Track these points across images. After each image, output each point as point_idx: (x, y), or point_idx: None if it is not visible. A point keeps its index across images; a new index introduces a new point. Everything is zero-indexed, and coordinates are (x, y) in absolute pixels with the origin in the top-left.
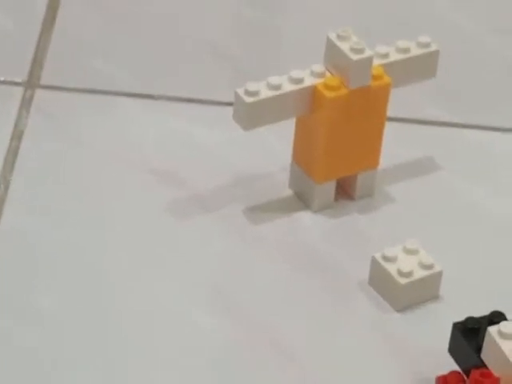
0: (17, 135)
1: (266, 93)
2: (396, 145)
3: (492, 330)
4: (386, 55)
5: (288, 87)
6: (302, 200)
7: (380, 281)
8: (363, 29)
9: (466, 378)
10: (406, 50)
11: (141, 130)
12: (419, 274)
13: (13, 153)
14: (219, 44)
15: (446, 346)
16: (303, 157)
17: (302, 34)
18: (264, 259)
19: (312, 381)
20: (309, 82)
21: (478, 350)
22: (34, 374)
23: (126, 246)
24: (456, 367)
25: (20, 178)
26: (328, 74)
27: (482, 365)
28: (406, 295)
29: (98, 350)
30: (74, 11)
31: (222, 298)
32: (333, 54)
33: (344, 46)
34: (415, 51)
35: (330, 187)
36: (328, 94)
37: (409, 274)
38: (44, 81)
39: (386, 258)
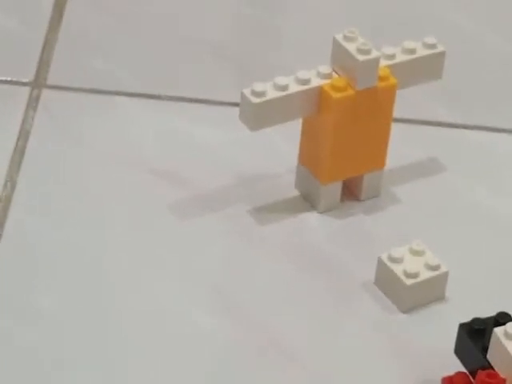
0: (23, 135)
1: (272, 93)
2: (402, 145)
3: (498, 330)
4: (392, 56)
5: (295, 88)
6: (307, 201)
7: (386, 281)
8: (367, 29)
9: (472, 379)
10: (412, 51)
11: (145, 131)
12: (425, 274)
13: (19, 152)
14: (221, 44)
15: (452, 346)
16: (309, 157)
17: (305, 34)
18: (269, 259)
19: (316, 381)
20: (315, 82)
21: (484, 350)
22: (34, 374)
23: (127, 246)
24: (462, 368)
25: (26, 177)
26: (335, 75)
27: (489, 366)
28: (412, 296)
29: (98, 349)
30: (80, 12)
31: (224, 299)
32: (339, 55)
33: (351, 47)
34: (421, 52)
35: (336, 188)
36: (334, 94)
37: (415, 275)
38: (50, 81)
39: (392, 259)
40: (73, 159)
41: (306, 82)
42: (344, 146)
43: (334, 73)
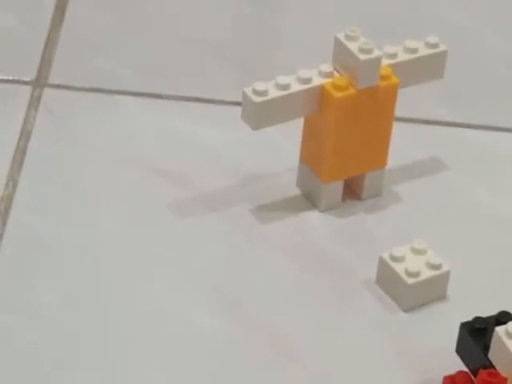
0: (25, 134)
1: (274, 92)
2: (403, 145)
3: (499, 329)
4: (394, 55)
5: (296, 87)
6: (309, 200)
7: (387, 280)
8: (369, 28)
9: (473, 378)
10: (414, 51)
11: (147, 130)
12: (427, 274)
13: (21, 152)
14: (223, 43)
15: (454, 345)
16: (311, 156)
17: (307, 33)
18: (270, 258)
19: (317, 381)
20: (317, 81)
21: (486, 349)
22: (34, 373)
23: (128, 245)
24: (463, 367)
25: (28, 177)
26: (336, 74)
27: (490, 365)
28: (414, 295)
29: (97, 348)
30: (82, 11)
31: (225, 298)
32: (341, 54)
33: (352, 46)
34: (423, 51)
35: (337, 187)
36: (336, 93)
37: (416, 274)
38: (52, 80)
39: (393, 258)
40: (74, 158)
41: (307, 81)
42: (345, 144)
43: (335, 72)
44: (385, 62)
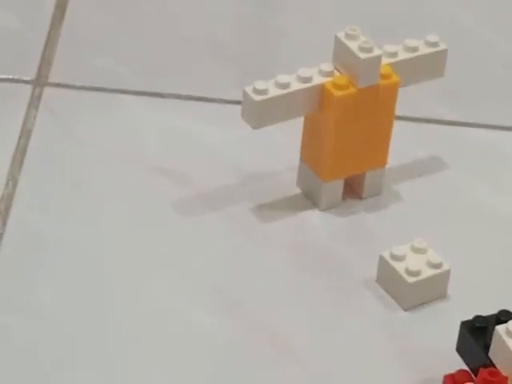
0: (25, 133)
1: (274, 91)
2: (404, 144)
3: (500, 328)
4: (394, 54)
5: (296, 86)
6: (309, 199)
7: (388, 279)
8: (369, 27)
9: (474, 377)
10: (415, 49)
11: (148, 129)
12: (427, 272)
13: (21, 151)
14: (223, 42)
15: (454, 344)
16: (311, 155)
17: (307, 32)
18: (271, 258)
19: (317, 380)
20: (317, 80)
21: (486, 348)
22: (34, 372)
23: (129, 244)
24: (464, 366)
25: (28, 175)
26: (336, 73)
27: (490, 364)
28: (414, 294)
29: (97, 348)
30: (82, 10)
31: (226, 297)
32: (341, 53)
33: (352, 45)
34: (423, 50)
35: (337, 186)
36: (336, 92)
37: (417, 273)
38: (52, 79)
39: (394, 257)
40: (75, 157)
41: (307, 79)
42: (346, 143)
43: (335, 71)
44: (385, 60)
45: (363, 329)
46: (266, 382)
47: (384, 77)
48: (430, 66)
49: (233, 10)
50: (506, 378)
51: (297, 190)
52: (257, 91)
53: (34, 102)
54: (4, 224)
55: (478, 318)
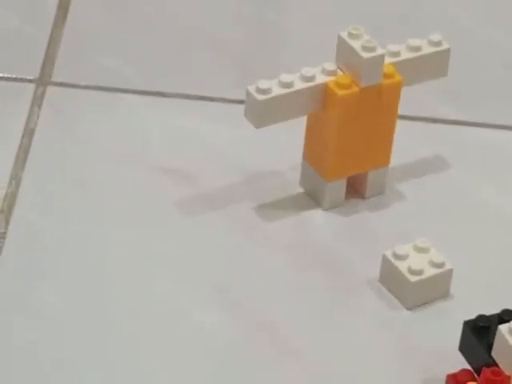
0: (28, 132)
1: (277, 90)
2: (407, 143)
3: (503, 328)
4: (397, 53)
5: (299, 85)
6: (312, 198)
7: (390, 279)
8: (371, 27)
9: (476, 376)
10: (418, 49)
11: (151, 128)
12: (430, 272)
13: (24, 150)
14: (226, 42)
15: (457, 344)
16: (314, 155)
17: (310, 31)
18: (273, 257)
19: (318, 380)
20: (320, 79)
21: (489, 348)
22: (34, 372)
23: (131, 243)
24: (467, 365)
25: (31, 174)
26: (339, 72)
27: (493, 363)
28: (417, 293)
29: (98, 348)
30: (85, 9)
31: (229, 297)
32: (344, 52)
33: (355, 44)
34: (426, 49)
35: (340, 185)
36: (339, 92)
37: (419, 272)
38: (55, 78)
39: (396, 256)
40: (78, 156)
41: (310, 79)
42: (348, 143)
43: (338, 70)
44: (388, 60)
45: (366, 328)
46: (266, 382)
47: (387, 76)
48: (433, 66)
49: (235, 10)
50: (508, 378)
51: (300, 190)
52: (260, 90)
53: (37, 101)
54: (7, 223)
55: (480, 317)
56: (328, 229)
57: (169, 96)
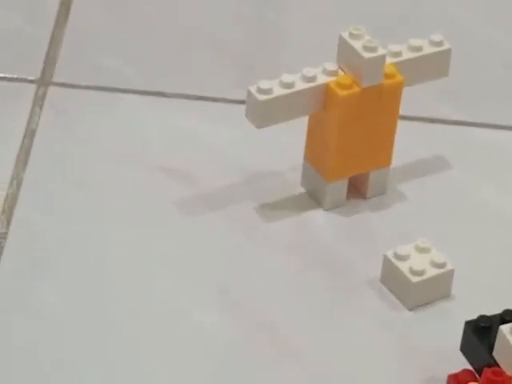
0: (29, 132)
1: (278, 91)
2: (408, 143)
3: (504, 328)
4: (398, 53)
5: (301, 85)
6: (313, 198)
7: (391, 279)
8: (372, 27)
9: (478, 376)
10: (419, 49)
11: (151, 128)
12: (431, 272)
13: (25, 150)
14: (228, 42)
15: (458, 344)
16: (315, 155)
17: (311, 31)
18: (274, 257)
19: (319, 380)
20: (321, 80)
21: (490, 348)
22: (34, 372)
23: (132, 244)
24: (468, 366)
25: (32, 175)
26: (340, 72)
27: (494, 363)
28: (418, 294)
29: (98, 348)
30: (86, 9)
31: (229, 297)
32: (345, 53)
33: (356, 45)
34: (427, 50)
35: (341, 185)
36: (340, 92)
37: (421, 273)
38: (57, 78)
39: (397, 257)
40: (79, 157)
41: (311, 79)
42: (350, 143)
43: (340, 70)
44: (389, 60)
45: (366, 328)
46: (266, 382)
47: (388, 76)
48: (434, 66)
49: (236, 10)
50: (510, 378)
51: (301, 190)
52: (261, 91)
53: (39, 102)
54: (8, 223)
55: (482, 317)
56: (329, 229)
57: (169, 96)
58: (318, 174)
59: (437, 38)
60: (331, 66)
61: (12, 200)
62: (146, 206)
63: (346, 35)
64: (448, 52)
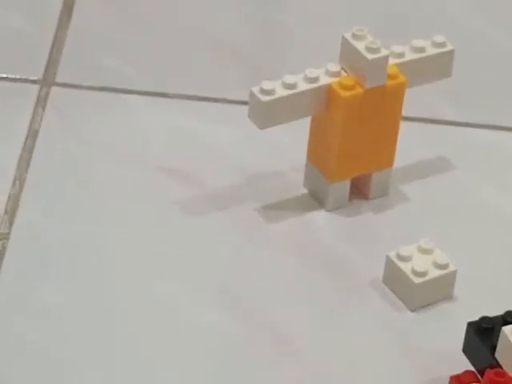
0: (32, 133)
1: (281, 92)
2: (410, 144)
3: (506, 329)
4: (401, 54)
5: (303, 86)
6: (316, 199)
7: (394, 280)
8: (375, 28)
9: (480, 377)
10: (422, 50)
11: (153, 128)
12: (434, 273)
13: (28, 151)
14: (230, 42)
15: (461, 345)
16: (318, 156)
17: (313, 32)
18: (276, 258)
19: (320, 381)
20: (324, 80)
21: (493, 349)
22: (35, 371)
23: (134, 244)
24: (470, 367)
25: (35, 175)
26: (343, 73)
27: (497, 364)
28: (420, 295)
29: (98, 347)
30: (89, 10)
31: (230, 297)
32: (348, 54)
33: (359, 46)
34: (430, 51)
35: (344, 186)
36: (343, 93)
37: (423, 274)
38: (59, 79)
39: (400, 257)
40: (81, 157)
41: (314, 80)
42: (352, 144)
43: (342, 71)
44: (392, 61)
45: (368, 329)
46: (266, 382)
47: (391, 77)
48: (437, 67)
49: (236, 10)
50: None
51: (303, 191)
52: (264, 91)
53: (41, 102)
54: (11, 224)
55: (484, 318)
56: (331, 230)
57: (171, 97)
58: (321, 174)
59: (439, 39)
60: (334, 66)
61: (15, 201)
62: (146, 206)
63: (348, 36)
64: (451, 53)
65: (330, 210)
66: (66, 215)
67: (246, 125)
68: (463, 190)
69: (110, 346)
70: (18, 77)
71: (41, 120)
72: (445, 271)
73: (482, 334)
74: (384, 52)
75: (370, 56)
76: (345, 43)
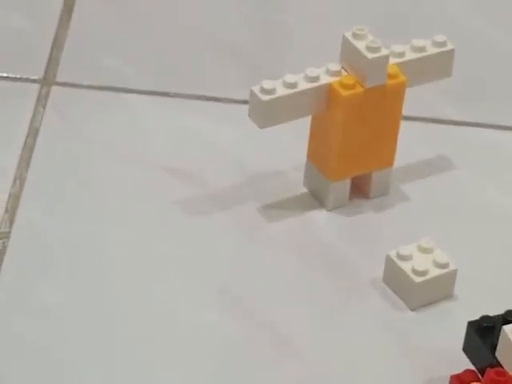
0: (32, 132)
1: (281, 91)
2: (411, 143)
3: (507, 328)
4: (401, 54)
5: (304, 85)
6: (316, 198)
7: (394, 279)
8: (376, 27)
9: (480, 376)
10: (422, 49)
11: (154, 128)
12: (434, 272)
13: (28, 150)
14: (231, 42)
15: (461, 344)
16: (318, 155)
17: (314, 32)
18: (276, 257)
19: (321, 381)
20: (324, 80)
21: (493, 348)
22: (35, 371)
23: (135, 243)
24: (471, 366)
25: (35, 175)
26: (344, 73)
27: (497, 363)
28: (421, 294)
29: (97, 347)
30: (89, 9)
31: (231, 297)
32: (349, 53)
33: (360, 45)
34: (431, 50)
35: (344, 185)
36: (344, 92)
37: (423, 273)
38: (60, 78)
39: (400, 257)
40: (82, 156)
41: (315, 79)
42: (353, 143)
43: (343, 70)
44: (392, 60)
45: (368, 328)
46: (266, 382)
47: (391, 77)
48: (437, 66)
49: (236, 10)
50: None
51: (303, 190)
52: (264, 91)
53: (42, 101)
54: (11, 223)
55: (484, 317)
56: (331, 229)
57: (173, 96)
58: (321, 173)
59: (440, 38)
60: (334, 66)
61: (15, 200)
62: (148, 206)
63: (349, 35)
64: (451, 52)
65: (330, 210)
66: (66, 215)
67: (247, 124)
68: (463, 190)
69: (109, 346)
70: (18, 76)
71: (41, 119)
72: (445, 270)
73: (483, 333)
74: (384, 51)
75: (370, 55)
76: (345, 42)
